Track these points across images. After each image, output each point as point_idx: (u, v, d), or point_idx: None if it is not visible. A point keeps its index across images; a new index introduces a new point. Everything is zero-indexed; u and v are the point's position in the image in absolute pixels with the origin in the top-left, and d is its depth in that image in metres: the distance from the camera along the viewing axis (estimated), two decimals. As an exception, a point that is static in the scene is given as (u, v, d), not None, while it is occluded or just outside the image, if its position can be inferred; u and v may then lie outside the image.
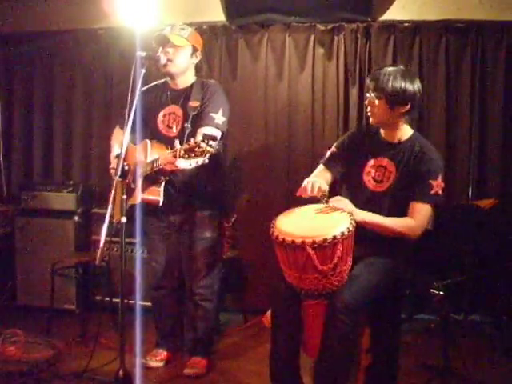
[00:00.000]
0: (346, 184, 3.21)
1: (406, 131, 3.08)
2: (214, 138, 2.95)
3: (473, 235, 3.97)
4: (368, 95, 3.03)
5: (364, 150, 3.14)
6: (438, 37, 4.60)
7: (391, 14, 4.70)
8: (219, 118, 3.48)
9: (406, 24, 4.64)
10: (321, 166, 3.26)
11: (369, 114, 3.07)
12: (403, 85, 2.92)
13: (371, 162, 3.09)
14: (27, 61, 5.33)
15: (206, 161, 2.99)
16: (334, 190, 3.18)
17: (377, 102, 2.97)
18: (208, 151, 2.90)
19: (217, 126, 3.46)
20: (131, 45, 4.67)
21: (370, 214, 2.90)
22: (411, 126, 3.11)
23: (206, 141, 2.90)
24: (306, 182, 3.00)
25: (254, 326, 4.55)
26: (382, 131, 3.13)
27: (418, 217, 2.92)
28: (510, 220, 4.07)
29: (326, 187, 3.00)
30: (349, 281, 2.77)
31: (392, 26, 4.65)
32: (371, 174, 3.08)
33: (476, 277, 4.08)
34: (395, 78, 2.92)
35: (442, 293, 3.63)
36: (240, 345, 4.23)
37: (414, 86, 2.96)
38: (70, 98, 5.28)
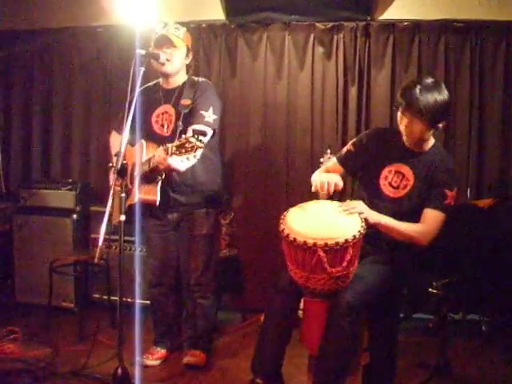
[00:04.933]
0: (362, 185, 3.18)
1: (430, 142, 3.03)
2: (203, 133, 2.95)
3: (471, 235, 3.97)
4: (401, 113, 2.90)
5: (383, 154, 3.07)
6: (437, 36, 4.60)
7: (391, 14, 4.69)
8: (209, 115, 3.47)
9: (406, 23, 4.63)
10: (334, 160, 3.23)
11: (404, 132, 2.95)
12: (443, 103, 2.84)
13: (390, 167, 3.04)
14: (26, 58, 5.32)
15: (197, 157, 2.99)
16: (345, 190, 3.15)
17: (415, 123, 2.86)
18: (198, 146, 2.90)
19: (207, 124, 3.44)
20: (130, 43, 4.67)
21: (385, 216, 2.88)
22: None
23: (195, 136, 2.91)
24: (320, 179, 2.97)
25: (252, 324, 4.55)
26: (404, 137, 3.01)
27: (430, 223, 2.91)
28: (508, 219, 4.07)
29: (341, 184, 2.97)
30: (353, 281, 2.77)
31: (391, 26, 4.65)
32: (388, 179, 3.03)
33: (474, 276, 4.08)
34: (434, 98, 2.81)
35: (440, 292, 3.63)
36: (238, 343, 4.23)
37: (449, 101, 2.90)
38: (69, 96, 5.28)
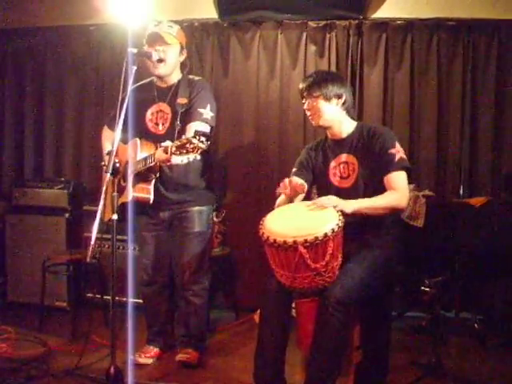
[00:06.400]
0: (318, 193, 3.25)
1: (350, 124, 3.22)
2: (205, 135, 2.95)
3: (464, 233, 3.98)
4: (304, 101, 3.19)
5: (322, 158, 3.27)
6: (429, 35, 4.61)
7: (383, 12, 4.71)
8: (207, 113, 3.50)
9: (398, 22, 4.64)
10: None
11: (310, 118, 3.21)
12: (332, 80, 3.16)
13: (333, 164, 3.19)
14: (18, 57, 5.31)
15: (198, 157, 3.01)
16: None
17: (315, 103, 3.13)
18: (200, 147, 2.90)
19: (206, 121, 3.47)
20: (123, 41, 4.66)
21: (357, 200, 2.94)
22: (353, 118, 3.26)
23: (197, 137, 2.90)
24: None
25: (245, 322, 4.55)
26: (328, 133, 3.27)
27: (397, 185, 3.00)
28: (500, 218, 4.08)
29: (306, 185, 3.05)
30: (341, 276, 2.79)
31: (384, 24, 4.66)
32: (337, 173, 3.17)
33: (466, 274, 4.10)
34: (325, 79, 3.15)
35: (432, 290, 3.64)
36: (231, 341, 4.23)
37: (342, 80, 3.28)
38: (62, 95, 5.27)
